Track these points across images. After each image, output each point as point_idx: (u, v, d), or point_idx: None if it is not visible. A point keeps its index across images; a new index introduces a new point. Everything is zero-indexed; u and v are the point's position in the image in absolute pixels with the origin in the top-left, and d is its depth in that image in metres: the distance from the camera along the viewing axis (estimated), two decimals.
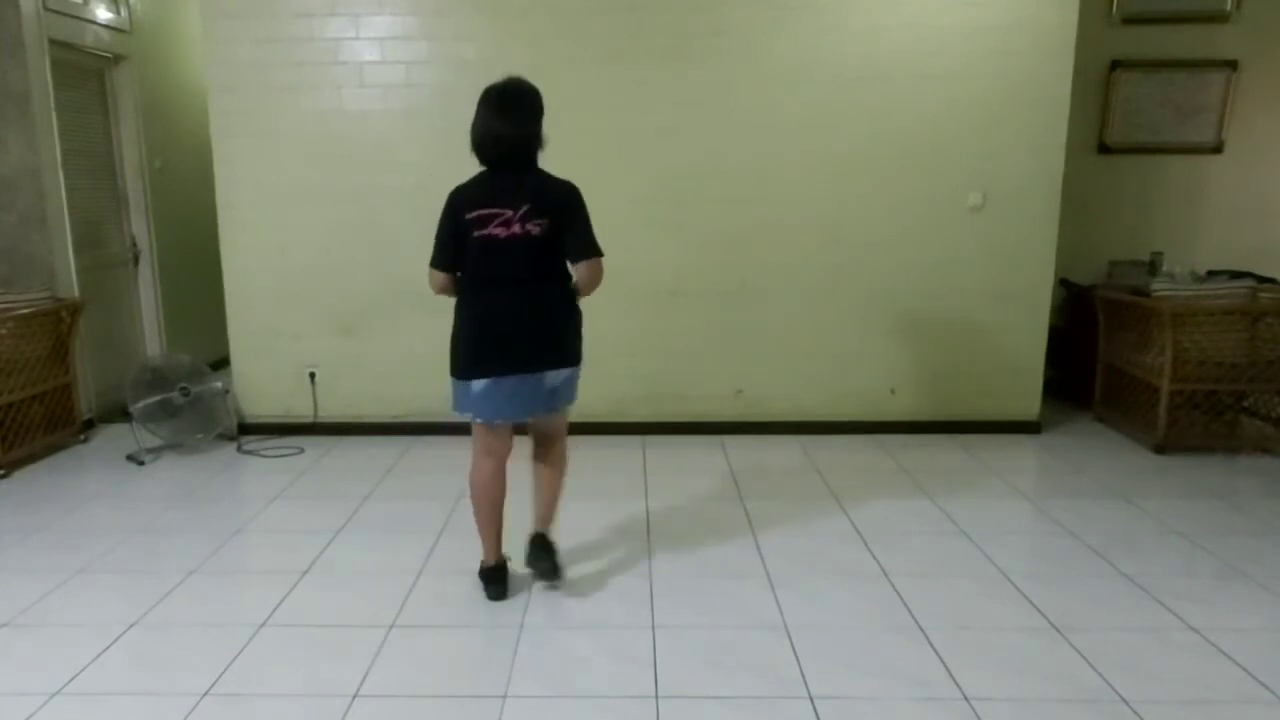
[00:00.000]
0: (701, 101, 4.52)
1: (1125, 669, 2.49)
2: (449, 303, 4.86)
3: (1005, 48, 4.45)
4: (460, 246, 2.74)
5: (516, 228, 2.68)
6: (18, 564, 3.22)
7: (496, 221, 2.68)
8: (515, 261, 2.71)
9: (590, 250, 2.77)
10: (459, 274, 2.80)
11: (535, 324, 2.76)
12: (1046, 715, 2.29)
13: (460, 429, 4.72)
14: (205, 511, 3.74)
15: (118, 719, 2.31)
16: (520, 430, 2.94)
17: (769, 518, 3.62)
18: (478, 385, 2.75)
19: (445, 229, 2.77)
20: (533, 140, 2.73)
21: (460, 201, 2.74)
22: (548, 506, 3.03)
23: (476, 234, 2.70)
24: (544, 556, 2.96)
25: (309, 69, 4.50)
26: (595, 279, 2.80)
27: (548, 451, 3.01)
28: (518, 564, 3.03)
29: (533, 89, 2.76)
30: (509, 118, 2.70)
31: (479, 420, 2.83)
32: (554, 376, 2.80)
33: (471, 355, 2.76)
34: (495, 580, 2.95)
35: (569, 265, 2.80)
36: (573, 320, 2.86)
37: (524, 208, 2.68)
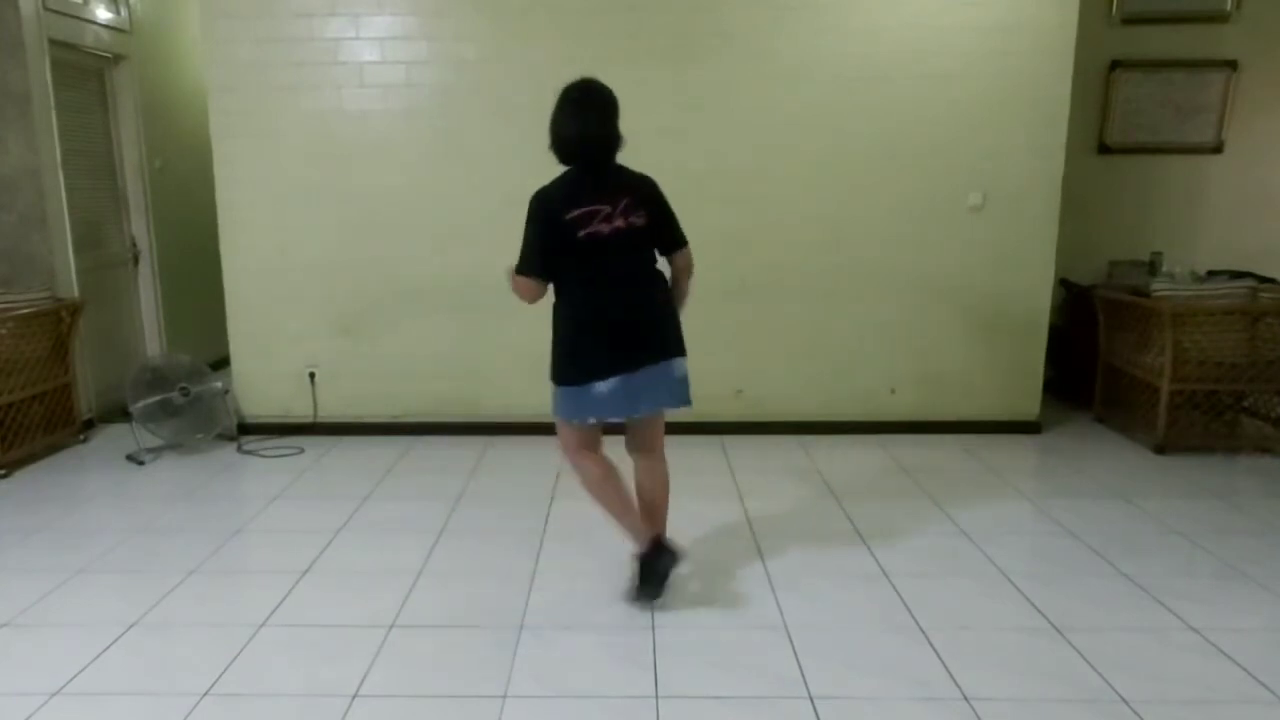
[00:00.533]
0: (702, 102, 4.52)
1: (1125, 669, 2.49)
2: (449, 303, 4.89)
3: (1005, 48, 4.45)
4: (556, 251, 2.69)
5: (620, 221, 2.69)
6: (18, 564, 3.22)
7: (599, 218, 2.67)
8: (623, 256, 2.72)
9: (683, 238, 2.86)
10: (550, 282, 2.76)
11: (654, 314, 2.78)
12: (1046, 715, 2.29)
13: (460, 429, 4.76)
14: (205, 511, 3.74)
15: (118, 719, 2.31)
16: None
17: (769, 518, 3.61)
18: (607, 385, 2.70)
19: (538, 234, 2.69)
20: (617, 138, 2.75)
21: (554, 204, 2.69)
22: (658, 517, 2.94)
23: (581, 234, 2.66)
24: (666, 555, 2.83)
25: (309, 69, 4.50)
26: (690, 266, 2.89)
27: (650, 465, 2.92)
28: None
29: (608, 88, 2.76)
30: (597, 118, 2.71)
31: (605, 420, 2.78)
32: (681, 365, 2.83)
33: (598, 355, 2.71)
34: (657, 562, 2.81)
35: (665, 253, 2.85)
36: (677, 311, 2.90)
37: (624, 201, 2.70)
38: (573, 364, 2.75)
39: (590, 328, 2.73)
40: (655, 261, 2.85)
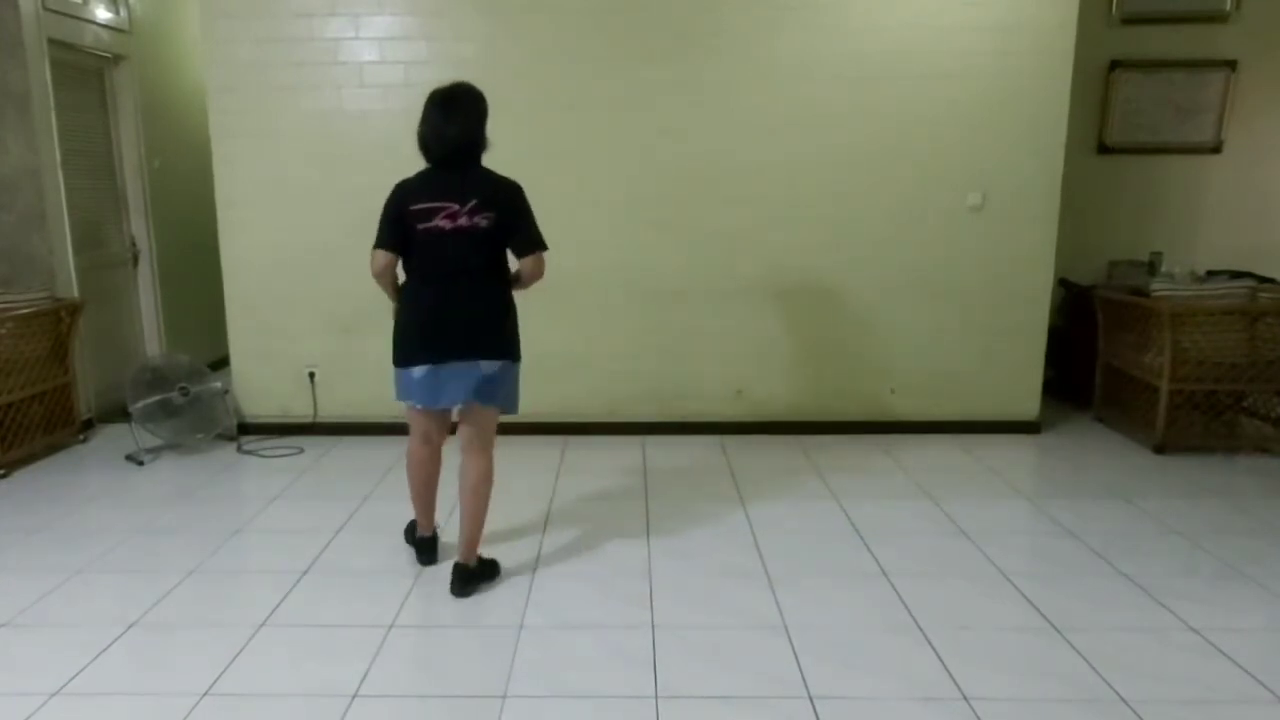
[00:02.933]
0: (702, 101, 4.52)
1: (1125, 669, 2.49)
2: None
3: (1005, 48, 4.45)
4: (403, 235, 2.85)
5: (464, 220, 2.80)
6: (18, 564, 3.22)
7: (442, 214, 2.80)
8: (459, 253, 2.83)
9: (537, 244, 2.92)
10: (396, 253, 2.89)
11: (474, 313, 2.86)
12: (1046, 715, 2.29)
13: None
14: (205, 511, 3.74)
15: (118, 719, 2.30)
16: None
17: (769, 518, 3.62)
18: (418, 371, 2.87)
19: (388, 216, 2.87)
20: (478, 140, 2.87)
21: (404, 194, 2.86)
22: (467, 530, 2.98)
23: (421, 226, 2.82)
24: (462, 581, 2.96)
25: (309, 69, 4.50)
26: (539, 272, 2.94)
27: (469, 462, 2.97)
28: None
29: (477, 92, 2.90)
30: (455, 119, 2.83)
31: (418, 406, 2.95)
32: (489, 366, 2.88)
33: (414, 343, 2.88)
34: (427, 550, 3.18)
35: (514, 258, 2.94)
36: (510, 314, 2.96)
37: (472, 201, 2.80)
38: (396, 346, 2.93)
39: (412, 315, 2.90)
40: (499, 265, 2.93)
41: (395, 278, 2.94)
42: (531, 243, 2.90)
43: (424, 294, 2.87)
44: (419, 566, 3.18)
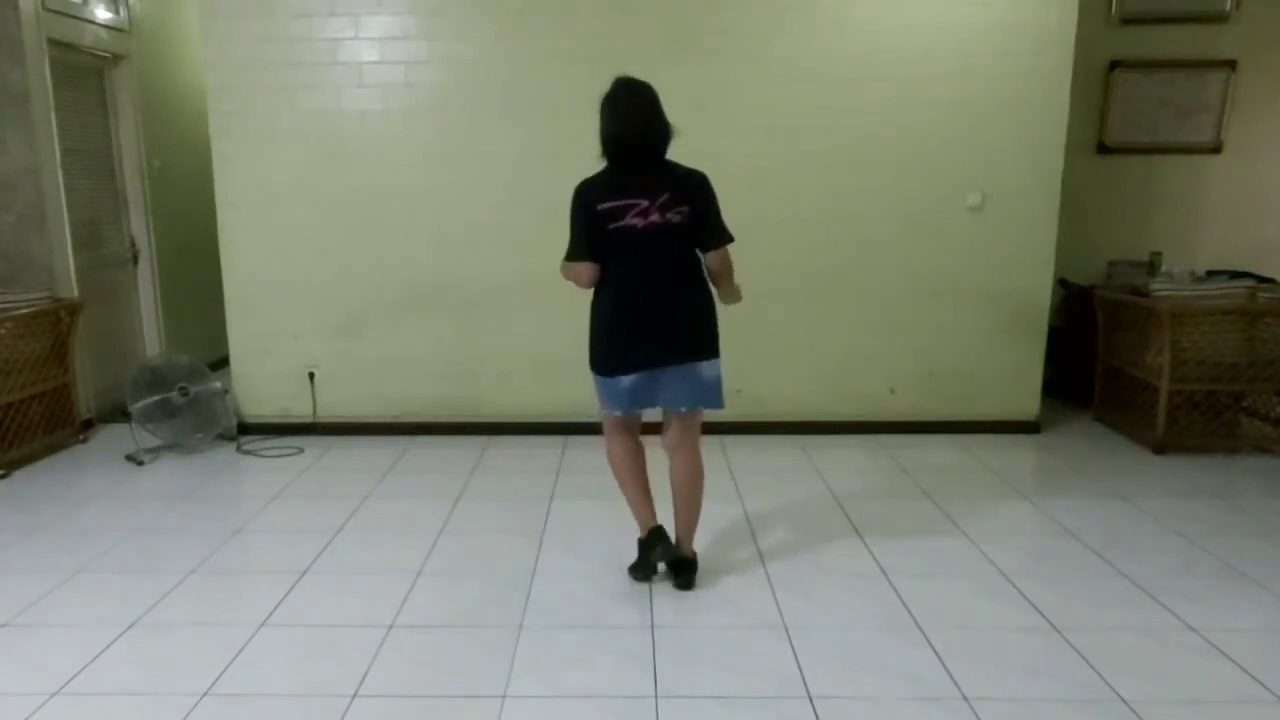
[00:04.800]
0: (702, 101, 4.51)
1: (1125, 669, 2.49)
2: (448, 302, 4.89)
3: (1005, 47, 4.45)
4: (598, 238, 2.75)
5: (656, 216, 2.72)
6: (18, 564, 3.22)
7: (633, 212, 2.71)
8: (656, 251, 2.74)
9: (725, 236, 2.83)
10: (598, 262, 2.80)
11: (684, 313, 2.78)
12: (1046, 715, 2.29)
13: (459, 429, 4.76)
14: (205, 511, 3.74)
15: (117, 719, 2.31)
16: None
17: (769, 518, 3.62)
18: (628, 380, 2.78)
19: (579, 222, 2.77)
20: (661, 134, 2.78)
21: (590, 195, 2.75)
22: (687, 522, 3.00)
23: (612, 226, 2.72)
24: (681, 572, 2.97)
25: (308, 69, 4.50)
26: (728, 264, 2.85)
27: (682, 458, 2.95)
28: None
29: (650, 86, 2.82)
30: (635, 116, 2.76)
31: (618, 413, 2.87)
32: (710, 368, 2.83)
33: (622, 348, 2.78)
34: (662, 540, 2.94)
35: (701, 253, 2.83)
36: (714, 308, 2.88)
37: (663, 196, 2.72)
38: (599, 355, 2.83)
39: (614, 322, 2.79)
40: (695, 260, 2.84)
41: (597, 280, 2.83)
42: (717, 237, 2.80)
43: (626, 296, 2.77)
44: (421, 566, 3.17)
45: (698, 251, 2.84)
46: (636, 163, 2.77)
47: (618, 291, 2.79)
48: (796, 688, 2.41)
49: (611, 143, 2.77)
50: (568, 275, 2.85)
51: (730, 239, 2.84)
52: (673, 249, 2.77)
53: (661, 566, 3.02)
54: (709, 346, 2.84)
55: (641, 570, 3.00)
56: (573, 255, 2.80)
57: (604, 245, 2.75)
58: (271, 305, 4.71)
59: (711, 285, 2.90)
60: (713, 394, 2.87)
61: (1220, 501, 3.78)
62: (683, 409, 2.87)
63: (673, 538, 2.99)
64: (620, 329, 2.79)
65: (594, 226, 2.74)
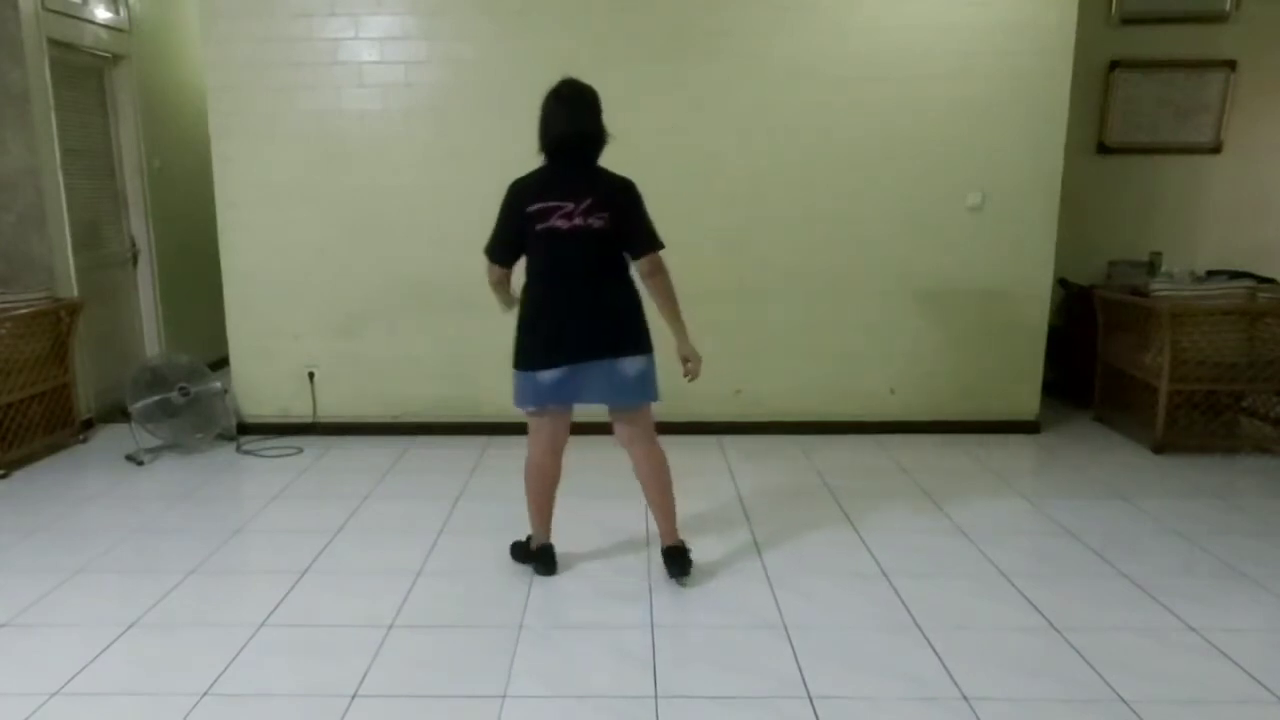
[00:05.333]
0: (702, 101, 4.52)
1: (1125, 669, 2.49)
2: (448, 302, 4.88)
3: (1005, 47, 4.45)
4: (520, 239, 2.82)
5: (579, 220, 2.77)
6: (18, 564, 3.22)
7: (558, 214, 2.76)
8: (580, 252, 2.79)
9: (654, 242, 2.86)
10: (508, 267, 2.89)
11: (603, 311, 2.83)
12: (1046, 715, 2.29)
13: (459, 429, 4.76)
14: (205, 511, 3.74)
15: (117, 719, 2.31)
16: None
17: (768, 518, 3.62)
18: (550, 375, 2.82)
19: (505, 220, 2.85)
20: (598, 137, 2.83)
21: (522, 193, 2.81)
22: (665, 515, 3.04)
23: (539, 226, 2.78)
24: (675, 561, 3.01)
25: (308, 69, 4.50)
26: (657, 270, 2.88)
27: (641, 454, 3.00)
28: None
29: (592, 88, 2.86)
30: (583, 116, 2.80)
31: (545, 407, 2.91)
32: (632, 364, 2.86)
33: (545, 345, 2.82)
34: (547, 559, 3.09)
35: (630, 258, 2.88)
36: (641, 308, 2.91)
37: (587, 201, 2.77)
38: (522, 350, 2.88)
39: (539, 318, 2.85)
40: (621, 261, 2.89)
41: (510, 284, 2.91)
42: (647, 242, 2.84)
43: (550, 295, 2.83)
44: (421, 566, 3.17)
45: (627, 257, 2.90)
46: (569, 164, 2.82)
47: (543, 289, 2.85)
48: (796, 688, 2.41)
49: (549, 141, 2.82)
50: (487, 271, 2.93)
51: (660, 245, 2.88)
52: (596, 251, 2.82)
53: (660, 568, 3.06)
54: (632, 342, 2.87)
55: (542, 567, 3.09)
56: (489, 253, 2.90)
57: (530, 244, 2.83)
58: (271, 305, 4.71)
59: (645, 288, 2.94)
60: (638, 388, 2.90)
61: (1220, 501, 3.78)
62: (609, 404, 2.91)
63: (659, 537, 3.07)
64: (543, 325, 2.84)
65: (520, 226, 2.81)
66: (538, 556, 3.11)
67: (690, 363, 2.98)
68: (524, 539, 3.21)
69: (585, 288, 2.82)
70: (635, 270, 2.90)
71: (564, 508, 3.73)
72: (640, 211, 2.86)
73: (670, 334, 2.95)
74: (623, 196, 2.83)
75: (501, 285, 2.93)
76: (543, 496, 3.08)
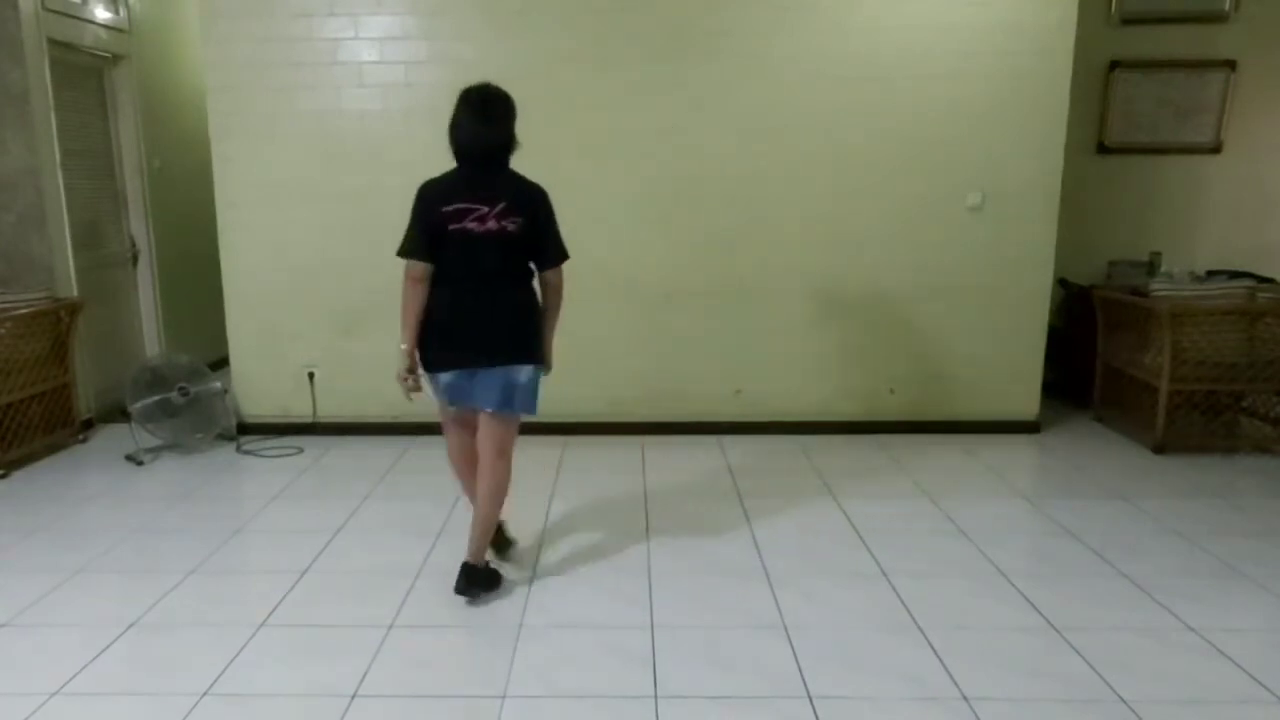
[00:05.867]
0: (701, 101, 4.52)
1: (1125, 669, 2.49)
2: None
3: (1005, 48, 4.45)
4: (434, 238, 2.81)
5: (492, 223, 2.78)
6: (18, 564, 3.22)
7: (471, 217, 2.78)
8: (488, 257, 2.80)
9: (563, 254, 2.94)
10: (431, 262, 2.87)
11: (504, 318, 2.85)
12: (1045, 715, 2.29)
13: None
14: (205, 511, 3.74)
15: (117, 719, 2.31)
16: None
17: (768, 518, 3.62)
18: (445, 376, 2.87)
19: (420, 220, 2.83)
20: (510, 143, 2.86)
21: (434, 195, 2.83)
22: (479, 531, 2.93)
23: (451, 228, 2.79)
24: (469, 580, 2.91)
25: (308, 69, 4.50)
26: (562, 282, 2.95)
27: (486, 467, 2.93)
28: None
29: (508, 94, 2.89)
30: (491, 120, 2.82)
31: (448, 408, 2.98)
32: (519, 372, 2.87)
33: (442, 347, 2.86)
34: (469, 582, 2.93)
35: (538, 268, 2.91)
36: (538, 319, 2.94)
37: (501, 205, 2.78)
38: (425, 349, 2.89)
39: (439, 320, 2.85)
40: (525, 269, 2.91)
41: (428, 283, 2.85)
42: (554, 255, 2.89)
43: (453, 298, 2.83)
44: (421, 566, 3.17)
45: (533, 266, 2.92)
46: (481, 167, 2.83)
47: (448, 291, 2.84)
48: (796, 688, 2.41)
49: (458, 144, 2.83)
50: (406, 271, 2.90)
51: (567, 256, 2.93)
52: (504, 256, 2.82)
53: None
54: (525, 352, 2.88)
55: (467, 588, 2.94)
56: (406, 251, 2.85)
57: (441, 245, 2.80)
58: (271, 305, 4.71)
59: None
60: (522, 399, 2.89)
61: (1220, 501, 3.79)
62: (488, 409, 2.89)
63: (469, 543, 2.99)
64: (443, 327, 2.85)
65: (433, 226, 2.80)
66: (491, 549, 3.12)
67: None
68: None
69: (488, 292, 2.83)
70: (542, 279, 2.93)
71: (564, 508, 3.75)
72: (553, 221, 2.89)
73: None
74: (538, 204, 2.85)
75: (423, 284, 2.82)
76: (472, 475, 3.02)
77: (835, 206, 4.61)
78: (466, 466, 3.07)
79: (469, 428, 3.01)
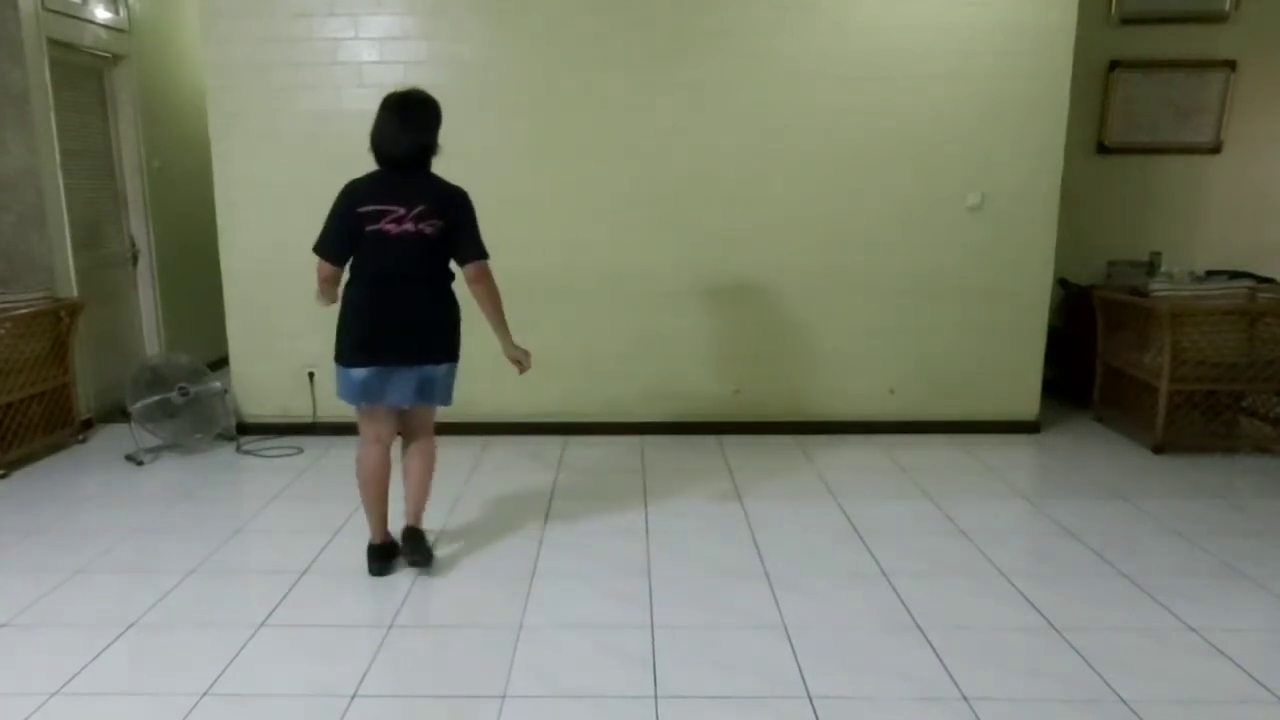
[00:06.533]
0: (701, 101, 4.52)
1: (1124, 669, 2.49)
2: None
3: (1005, 48, 4.45)
4: (350, 239, 2.87)
5: (409, 225, 2.84)
6: (17, 564, 3.21)
7: (388, 218, 2.84)
8: (404, 258, 2.87)
9: (481, 252, 2.97)
10: (340, 265, 2.95)
11: (419, 318, 2.92)
12: (1045, 715, 2.29)
13: (457, 429, 4.75)
14: (204, 511, 3.74)
15: (117, 719, 2.31)
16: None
17: (768, 517, 3.62)
18: (360, 373, 2.92)
19: (337, 219, 2.90)
20: (430, 147, 2.92)
21: (355, 196, 2.88)
22: (416, 501, 3.18)
23: (369, 228, 2.84)
24: (416, 548, 3.10)
25: (308, 69, 4.50)
26: (483, 278, 2.97)
27: (415, 446, 3.17)
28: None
29: (433, 100, 2.94)
30: (410, 124, 2.88)
31: (361, 405, 3.01)
32: (432, 370, 2.96)
33: (357, 344, 2.91)
34: (379, 557, 3.12)
35: (458, 266, 2.97)
36: (453, 317, 3.01)
37: (419, 207, 2.84)
38: (340, 345, 2.97)
39: (356, 318, 2.92)
40: (444, 271, 2.97)
41: (339, 282, 2.96)
42: (474, 252, 2.95)
43: (370, 296, 2.90)
44: (417, 567, 3.17)
45: (455, 265, 2.98)
46: (400, 170, 2.89)
47: (365, 290, 2.91)
48: (796, 688, 2.41)
49: (379, 147, 2.90)
50: (318, 268, 2.96)
51: (485, 255, 2.97)
52: (421, 257, 2.89)
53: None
54: (442, 351, 2.98)
55: (376, 566, 3.11)
56: (321, 250, 2.91)
57: (358, 245, 2.87)
58: (271, 305, 4.70)
59: (478, 301, 3.01)
60: (441, 393, 3.04)
61: (1220, 501, 3.79)
62: (407, 405, 3.01)
63: (403, 519, 3.18)
64: (361, 325, 2.91)
65: (351, 226, 2.85)
66: (370, 555, 3.13)
67: (520, 363, 3.15)
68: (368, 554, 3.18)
69: (405, 293, 2.89)
70: (465, 277, 2.97)
71: (564, 508, 3.75)
72: (472, 221, 2.95)
73: (497, 341, 3.12)
74: (456, 207, 2.92)
75: (331, 283, 2.95)
76: (370, 491, 3.11)
77: (835, 206, 4.61)
78: (376, 481, 3.10)
79: (383, 429, 3.08)
